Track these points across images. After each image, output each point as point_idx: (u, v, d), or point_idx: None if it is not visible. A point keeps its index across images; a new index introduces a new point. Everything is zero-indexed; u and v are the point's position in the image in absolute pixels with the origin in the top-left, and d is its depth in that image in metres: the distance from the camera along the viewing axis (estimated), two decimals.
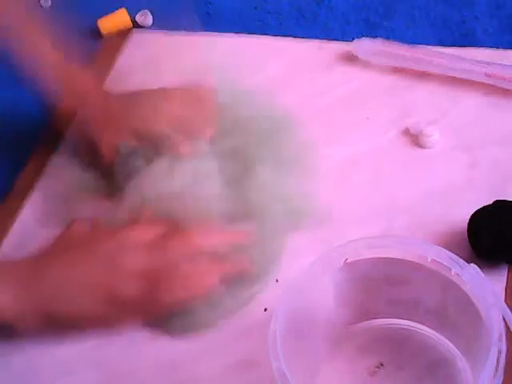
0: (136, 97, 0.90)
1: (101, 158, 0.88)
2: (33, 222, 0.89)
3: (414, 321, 0.73)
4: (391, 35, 1.00)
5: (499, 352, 0.61)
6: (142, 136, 0.86)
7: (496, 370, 0.61)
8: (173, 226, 0.80)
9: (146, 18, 1.08)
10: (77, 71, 0.91)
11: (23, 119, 0.99)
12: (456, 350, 0.72)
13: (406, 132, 0.90)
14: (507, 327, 0.63)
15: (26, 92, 0.95)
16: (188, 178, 0.83)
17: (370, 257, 0.70)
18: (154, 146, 0.86)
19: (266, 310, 0.78)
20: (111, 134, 0.87)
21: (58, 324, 0.77)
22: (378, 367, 0.72)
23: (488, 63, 0.92)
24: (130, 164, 0.86)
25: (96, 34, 1.08)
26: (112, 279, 0.76)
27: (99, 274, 0.76)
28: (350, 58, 0.99)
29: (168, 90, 0.90)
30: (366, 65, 0.98)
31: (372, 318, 0.74)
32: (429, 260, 0.68)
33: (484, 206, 0.77)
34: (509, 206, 0.76)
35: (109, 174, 0.88)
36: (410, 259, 0.69)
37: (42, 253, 0.80)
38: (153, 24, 1.09)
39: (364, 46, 0.98)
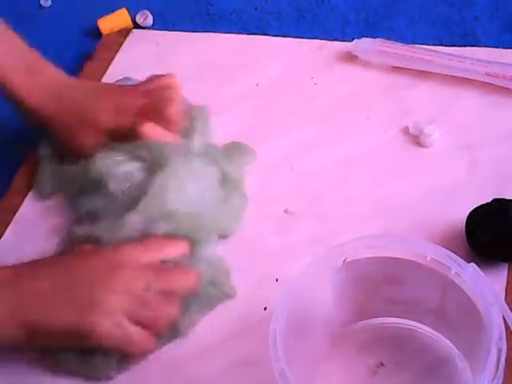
0: (93, 91, 0.89)
1: (77, 159, 0.87)
2: (31, 219, 0.89)
3: (413, 320, 0.73)
4: (391, 35, 1.00)
5: (499, 351, 0.61)
6: (113, 132, 0.86)
7: (496, 369, 0.61)
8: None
9: (146, 18, 1.09)
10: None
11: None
12: (455, 350, 0.72)
13: (406, 131, 0.90)
14: (507, 326, 0.63)
15: None
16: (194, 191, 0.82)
17: (369, 256, 0.70)
18: (129, 142, 0.85)
19: (265, 309, 0.78)
20: (82, 136, 0.87)
21: (39, 336, 0.74)
22: (378, 367, 0.72)
23: (488, 62, 0.92)
24: (116, 170, 0.84)
25: (96, 33, 1.08)
26: (97, 294, 0.74)
27: (84, 287, 0.74)
28: (350, 58, 0.99)
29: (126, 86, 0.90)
30: (366, 65, 0.98)
31: (371, 318, 0.74)
32: (428, 259, 0.68)
33: (482, 205, 0.77)
34: (506, 205, 0.76)
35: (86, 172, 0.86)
36: (409, 258, 0.69)
37: (30, 262, 0.78)
38: (153, 24, 1.09)
39: (364, 45, 0.98)
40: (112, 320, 0.73)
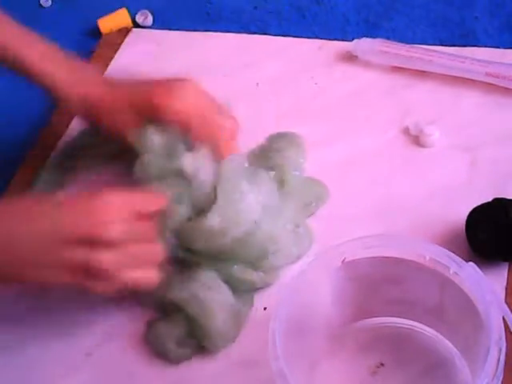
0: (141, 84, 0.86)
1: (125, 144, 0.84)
2: None
3: (412, 320, 0.73)
4: (391, 35, 1.00)
5: (499, 351, 0.61)
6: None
7: (496, 368, 0.61)
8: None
9: (146, 18, 1.09)
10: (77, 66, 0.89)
11: (21, 118, 1.00)
12: (454, 349, 0.72)
13: (406, 131, 0.90)
14: (506, 326, 0.63)
15: (25, 91, 0.96)
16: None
17: (368, 256, 0.70)
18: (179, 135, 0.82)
19: (265, 309, 0.78)
20: (126, 120, 0.84)
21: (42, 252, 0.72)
22: (378, 367, 0.72)
23: (488, 62, 0.92)
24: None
25: (96, 33, 1.08)
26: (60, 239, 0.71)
27: (51, 229, 0.72)
28: (350, 58, 0.99)
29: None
30: (366, 65, 0.98)
31: (371, 317, 0.74)
32: (427, 259, 0.68)
33: (482, 204, 0.77)
34: (506, 204, 0.76)
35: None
36: (407, 258, 0.69)
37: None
38: (153, 24, 1.09)
39: (364, 45, 0.98)
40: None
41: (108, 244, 0.71)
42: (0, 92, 1.03)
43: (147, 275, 0.74)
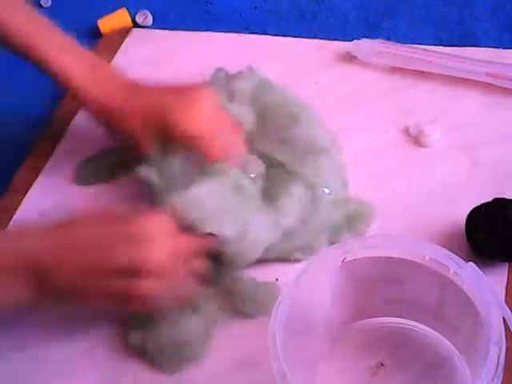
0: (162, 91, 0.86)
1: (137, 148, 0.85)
2: (31, 219, 0.88)
3: (412, 320, 0.73)
4: (391, 35, 1.00)
5: (499, 351, 0.61)
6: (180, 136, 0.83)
7: (496, 368, 0.61)
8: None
9: (146, 18, 1.09)
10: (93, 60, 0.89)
11: (22, 118, 1.00)
12: (454, 349, 0.72)
13: (406, 131, 0.90)
14: (506, 326, 0.63)
15: (26, 90, 0.96)
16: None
17: (368, 256, 0.70)
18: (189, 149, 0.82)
19: None
20: (147, 129, 0.84)
21: (88, 279, 0.73)
22: (378, 367, 0.72)
23: (488, 62, 0.92)
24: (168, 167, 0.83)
25: (96, 33, 1.08)
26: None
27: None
28: (350, 58, 0.99)
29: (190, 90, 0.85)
30: (366, 65, 0.98)
31: (371, 317, 0.74)
32: (426, 259, 0.68)
33: (482, 204, 0.77)
34: (506, 205, 0.76)
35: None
36: (407, 258, 0.69)
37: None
38: (153, 24, 1.09)
39: (364, 46, 0.98)
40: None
41: (147, 274, 0.72)
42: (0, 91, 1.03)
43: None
